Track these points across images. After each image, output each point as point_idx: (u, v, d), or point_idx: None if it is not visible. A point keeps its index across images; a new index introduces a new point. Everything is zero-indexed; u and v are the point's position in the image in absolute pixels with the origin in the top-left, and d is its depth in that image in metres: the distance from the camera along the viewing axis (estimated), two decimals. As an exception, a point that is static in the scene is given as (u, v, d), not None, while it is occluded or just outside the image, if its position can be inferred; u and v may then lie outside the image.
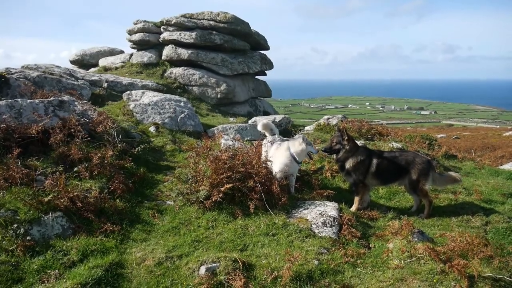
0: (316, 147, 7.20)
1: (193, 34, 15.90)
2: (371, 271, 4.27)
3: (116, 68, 17.15)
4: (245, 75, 17.59)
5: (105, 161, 6.12)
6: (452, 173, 6.70)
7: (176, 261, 4.33)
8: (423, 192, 6.07)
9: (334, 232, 5.09)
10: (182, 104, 10.91)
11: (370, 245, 4.97)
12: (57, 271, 3.97)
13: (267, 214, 5.42)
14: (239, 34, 17.01)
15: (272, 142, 6.88)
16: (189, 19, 16.57)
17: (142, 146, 7.36)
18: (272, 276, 4.00)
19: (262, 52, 18.98)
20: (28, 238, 4.30)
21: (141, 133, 8.81)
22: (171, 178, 6.70)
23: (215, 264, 4.10)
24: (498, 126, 56.46)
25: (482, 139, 24.79)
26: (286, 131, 11.86)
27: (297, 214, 5.57)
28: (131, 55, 17.85)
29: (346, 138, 6.22)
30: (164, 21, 17.01)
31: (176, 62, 16.51)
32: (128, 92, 11.77)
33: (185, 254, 4.47)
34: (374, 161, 6.14)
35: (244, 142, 9.20)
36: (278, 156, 6.35)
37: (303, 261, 4.27)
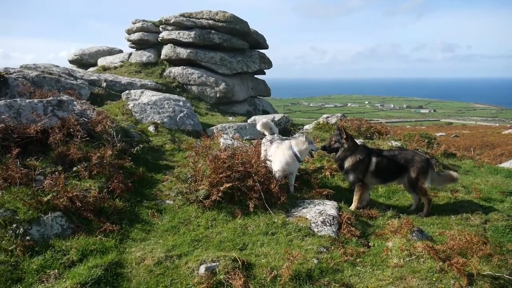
0: (316, 146, 7.21)
1: (192, 33, 15.89)
2: (370, 270, 4.27)
3: (115, 68, 17.15)
4: (244, 74, 17.58)
5: (104, 161, 6.11)
6: (450, 172, 6.72)
7: (176, 261, 4.33)
8: (422, 191, 6.08)
9: (333, 231, 5.09)
10: (181, 103, 10.91)
11: (370, 244, 4.98)
12: (56, 271, 3.97)
13: (267, 213, 5.42)
14: (238, 33, 17.01)
15: (271, 141, 6.88)
16: (188, 18, 16.56)
17: (141, 146, 7.36)
18: (272, 275, 4.00)
19: (261, 51, 18.99)
20: (27, 238, 4.30)
21: (140, 132, 8.80)
22: (170, 178, 6.69)
23: (215, 264, 4.10)
24: (497, 124, 56.54)
25: (481, 137, 24.81)
26: (286, 130, 11.86)
27: (296, 213, 5.58)
28: (130, 54, 17.84)
29: (345, 136, 6.22)
30: (163, 21, 17.00)
31: (175, 62, 16.50)
32: (127, 91, 11.76)
33: (185, 254, 4.47)
34: (374, 159, 6.15)
35: (243, 141, 9.20)
36: (279, 154, 6.35)
37: (302, 260, 4.27)
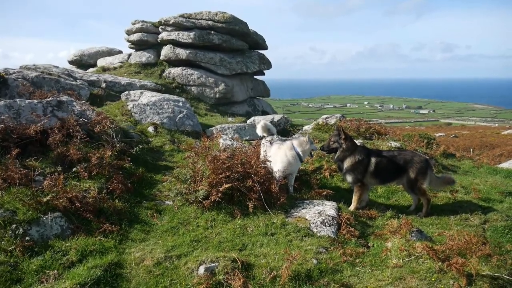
0: (315, 146, 7.23)
1: (192, 34, 15.90)
2: (369, 270, 4.28)
3: (115, 68, 17.14)
4: (244, 75, 17.59)
5: (104, 161, 6.11)
6: (448, 175, 6.74)
7: (175, 261, 4.33)
8: (422, 191, 6.09)
9: (332, 232, 5.10)
10: (180, 104, 10.91)
11: (369, 244, 4.98)
12: (56, 271, 3.97)
13: (266, 214, 5.43)
14: (237, 34, 17.02)
15: (271, 142, 6.90)
16: (187, 19, 16.57)
17: (141, 146, 7.36)
18: (271, 275, 4.01)
19: (261, 51, 18.99)
20: (27, 238, 4.30)
21: (140, 133, 8.80)
22: (169, 178, 6.70)
23: (214, 264, 4.11)
24: (496, 125, 56.58)
25: (480, 138, 24.83)
26: (285, 130, 11.87)
27: (295, 213, 5.58)
28: (130, 55, 17.84)
29: (343, 137, 6.23)
30: (163, 21, 17.00)
31: (174, 62, 16.51)
32: (126, 92, 11.76)
33: (184, 254, 4.48)
34: (373, 160, 6.15)
35: (243, 142, 9.20)
36: (281, 155, 6.37)
37: (301, 260, 4.28)
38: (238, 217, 5.38)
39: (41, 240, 4.40)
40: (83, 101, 8.68)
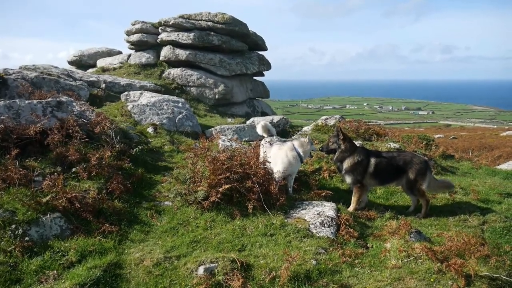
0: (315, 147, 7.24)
1: (191, 35, 15.91)
2: (368, 271, 4.29)
3: (114, 69, 17.15)
4: (243, 76, 17.61)
5: (103, 162, 6.12)
6: (447, 180, 6.76)
7: (175, 262, 4.34)
8: (421, 192, 6.10)
9: (332, 232, 5.11)
10: (180, 104, 10.92)
11: (368, 245, 4.99)
12: (55, 271, 3.98)
13: (265, 215, 5.43)
14: (237, 35, 17.05)
15: (270, 143, 6.91)
16: (187, 20, 16.59)
17: (140, 147, 7.37)
18: (270, 276, 4.01)
19: (260, 53, 19.01)
20: (26, 238, 4.31)
21: (139, 133, 8.80)
22: (169, 179, 6.70)
23: (213, 265, 4.11)
24: (495, 126, 56.67)
25: (479, 139, 24.86)
26: (284, 131, 11.89)
27: (295, 214, 5.59)
28: (129, 55, 17.84)
29: (342, 137, 6.24)
30: (162, 22, 17.02)
31: (174, 63, 16.52)
32: (126, 92, 11.78)
33: (184, 255, 4.48)
34: (372, 161, 6.16)
35: (242, 142, 9.21)
36: (282, 155, 6.38)
37: (301, 261, 4.28)
38: (238, 217, 5.39)
39: (41, 241, 4.40)
40: (83, 102, 8.68)
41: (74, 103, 7.69)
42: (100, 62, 18.45)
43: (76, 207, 4.94)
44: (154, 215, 5.57)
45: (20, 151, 5.58)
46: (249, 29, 17.71)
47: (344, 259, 4.44)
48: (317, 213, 5.49)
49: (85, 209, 5.00)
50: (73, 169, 5.83)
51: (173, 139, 9.18)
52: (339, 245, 4.80)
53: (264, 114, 17.31)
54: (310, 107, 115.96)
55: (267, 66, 18.54)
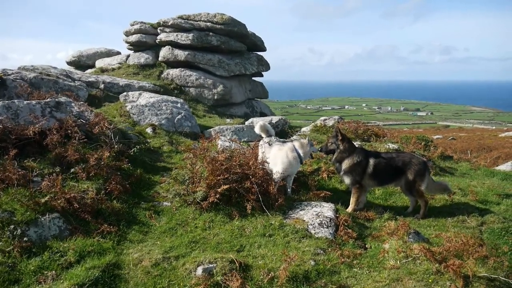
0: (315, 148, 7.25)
1: (190, 36, 15.92)
2: (367, 272, 4.29)
3: (113, 69, 17.14)
4: (242, 77, 17.63)
5: (102, 162, 6.12)
6: (444, 183, 6.76)
7: (173, 262, 4.34)
8: (419, 193, 6.11)
9: (330, 233, 5.11)
10: (179, 105, 10.92)
11: (366, 246, 5.00)
12: (54, 272, 3.98)
13: (264, 215, 5.44)
14: (235, 35, 17.06)
15: (269, 143, 6.91)
16: (186, 20, 16.60)
17: (139, 147, 7.36)
18: (269, 276, 4.02)
19: (259, 53, 19.04)
20: (25, 239, 4.31)
21: (138, 134, 8.80)
22: (168, 179, 6.70)
23: (212, 265, 4.12)
24: (494, 127, 56.74)
25: (478, 140, 24.88)
26: (283, 132, 11.89)
27: (293, 215, 5.59)
28: (128, 56, 17.84)
29: (341, 138, 6.25)
30: (161, 23, 17.02)
31: (173, 63, 16.52)
32: (125, 93, 11.77)
33: (182, 255, 4.48)
34: (371, 162, 6.17)
35: (241, 143, 9.21)
36: (282, 156, 6.39)
37: (299, 261, 4.29)
38: (236, 218, 5.39)
39: (39, 241, 4.40)
40: (82, 102, 8.67)
41: (73, 104, 7.69)
42: (99, 63, 18.44)
43: (74, 208, 4.94)
44: (153, 215, 5.57)
45: (18, 152, 5.58)
46: (248, 29, 17.73)
47: (342, 259, 4.45)
48: (315, 214, 5.49)
49: (83, 210, 5.00)
50: (72, 170, 5.83)
51: (172, 140, 9.18)
52: (337, 246, 4.81)
53: (263, 114, 17.33)
54: (309, 107, 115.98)
55: (266, 66, 18.56)
